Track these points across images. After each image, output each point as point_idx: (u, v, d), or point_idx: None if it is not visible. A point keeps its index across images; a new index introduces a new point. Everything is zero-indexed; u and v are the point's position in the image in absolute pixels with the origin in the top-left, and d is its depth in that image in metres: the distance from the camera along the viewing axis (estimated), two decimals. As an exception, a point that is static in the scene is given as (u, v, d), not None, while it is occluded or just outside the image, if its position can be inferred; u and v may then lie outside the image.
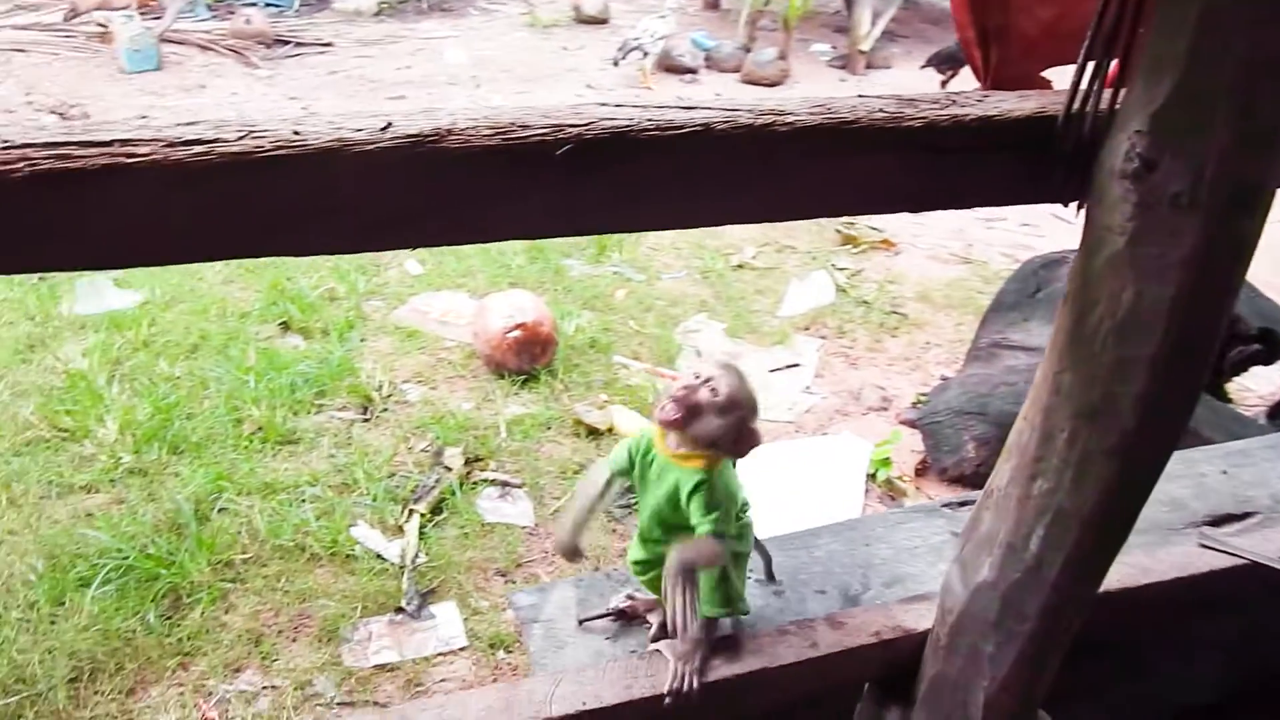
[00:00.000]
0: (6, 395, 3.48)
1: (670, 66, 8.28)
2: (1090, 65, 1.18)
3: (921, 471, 3.27)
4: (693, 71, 8.41)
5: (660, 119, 1.03)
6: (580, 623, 1.75)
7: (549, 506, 3.09)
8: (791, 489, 3.09)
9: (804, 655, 1.57)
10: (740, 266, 4.76)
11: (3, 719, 2.34)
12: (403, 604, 2.68)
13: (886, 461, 3.20)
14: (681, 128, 1.03)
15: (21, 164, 0.83)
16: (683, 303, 4.35)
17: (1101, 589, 1.77)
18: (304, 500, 3.05)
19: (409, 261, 4.73)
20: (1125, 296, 1.18)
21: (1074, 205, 1.25)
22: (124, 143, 0.87)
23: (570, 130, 0.99)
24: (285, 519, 2.95)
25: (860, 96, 1.16)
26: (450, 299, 4.36)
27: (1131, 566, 1.81)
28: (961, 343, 3.94)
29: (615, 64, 7.98)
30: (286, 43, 8.09)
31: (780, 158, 1.09)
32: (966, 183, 1.23)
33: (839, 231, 5.15)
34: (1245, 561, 1.86)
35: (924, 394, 3.61)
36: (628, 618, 1.77)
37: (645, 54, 7.95)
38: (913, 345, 4.12)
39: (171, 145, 0.87)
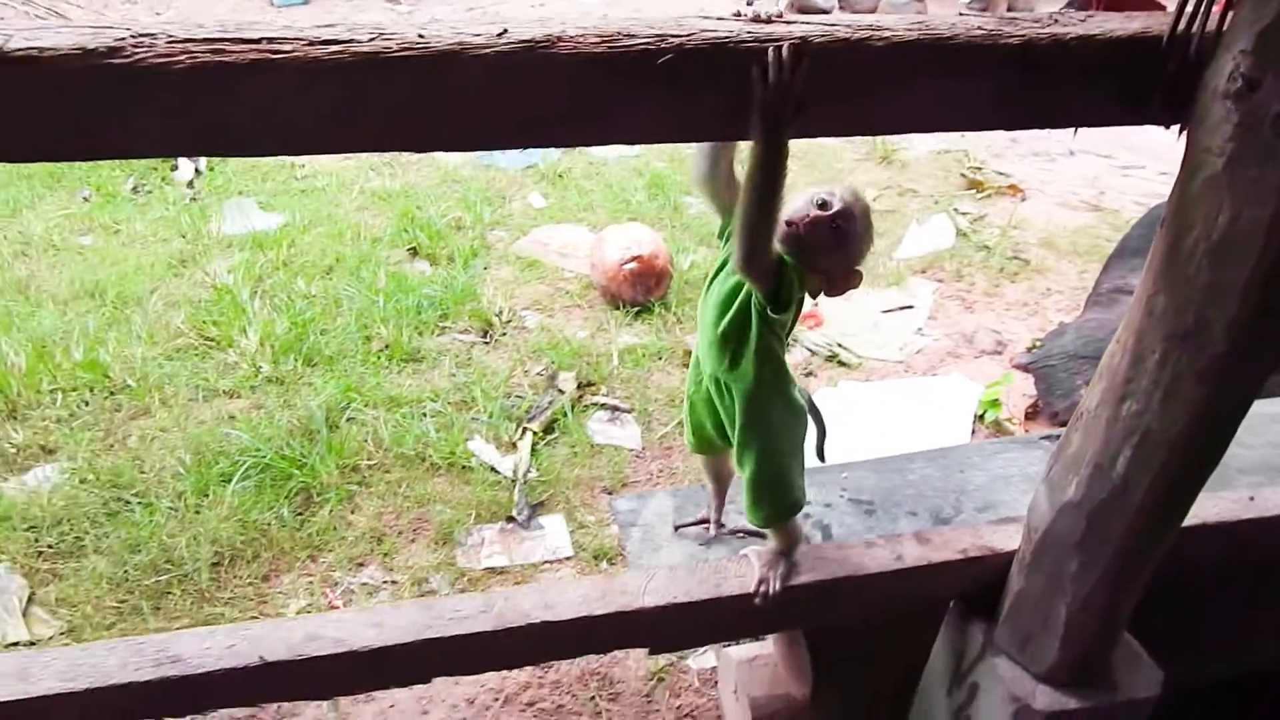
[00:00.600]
0: (160, 305, 3.76)
1: (804, 8, 8.14)
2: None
3: (1032, 415, 3.24)
4: (825, 13, 8.26)
5: (759, 32, 1.08)
6: (676, 528, 1.85)
7: (656, 432, 3.19)
8: (898, 427, 3.11)
9: (889, 567, 1.63)
10: (861, 209, 4.72)
11: (154, 594, 2.59)
12: (513, 514, 2.84)
13: (996, 403, 3.18)
14: (781, 40, 1.08)
15: (183, 56, 0.94)
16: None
17: (1201, 521, 1.78)
18: (425, 414, 3.23)
19: (532, 194, 4.86)
20: (1221, 219, 1.18)
21: (1175, 129, 1.25)
22: (270, 40, 0.97)
23: (672, 40, 1.05)
24: (407, 430, 3.13)
25: (961, 15, 1.19)
26: (570, 232, 4.47)
27: (1233, 502, 1.80)
28: (1084, 289, 3.85)
29: (749, 3, 7.92)
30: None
31: (877, 72, 1.13)
32: (1065, 103, 1.24)
33: (964, 176, 5.04)
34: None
35: (1039, 339, 3.56)
36: (723, 528, 1.86)
37: None
38: (1033, 291, 4.04)
39: (311, 44, 0.97)
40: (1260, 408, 2.24)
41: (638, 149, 5.31)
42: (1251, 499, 1.83)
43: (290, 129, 1.01)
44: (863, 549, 1.65)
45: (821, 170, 5.08)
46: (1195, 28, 1.19)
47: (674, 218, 4.56)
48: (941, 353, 3.64)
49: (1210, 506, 1.79)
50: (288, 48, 0.97)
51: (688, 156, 5.16)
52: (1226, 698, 2.11)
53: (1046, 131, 5.60)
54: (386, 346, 3.58)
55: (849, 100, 1.15)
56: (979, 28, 1.15)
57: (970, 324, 3.81)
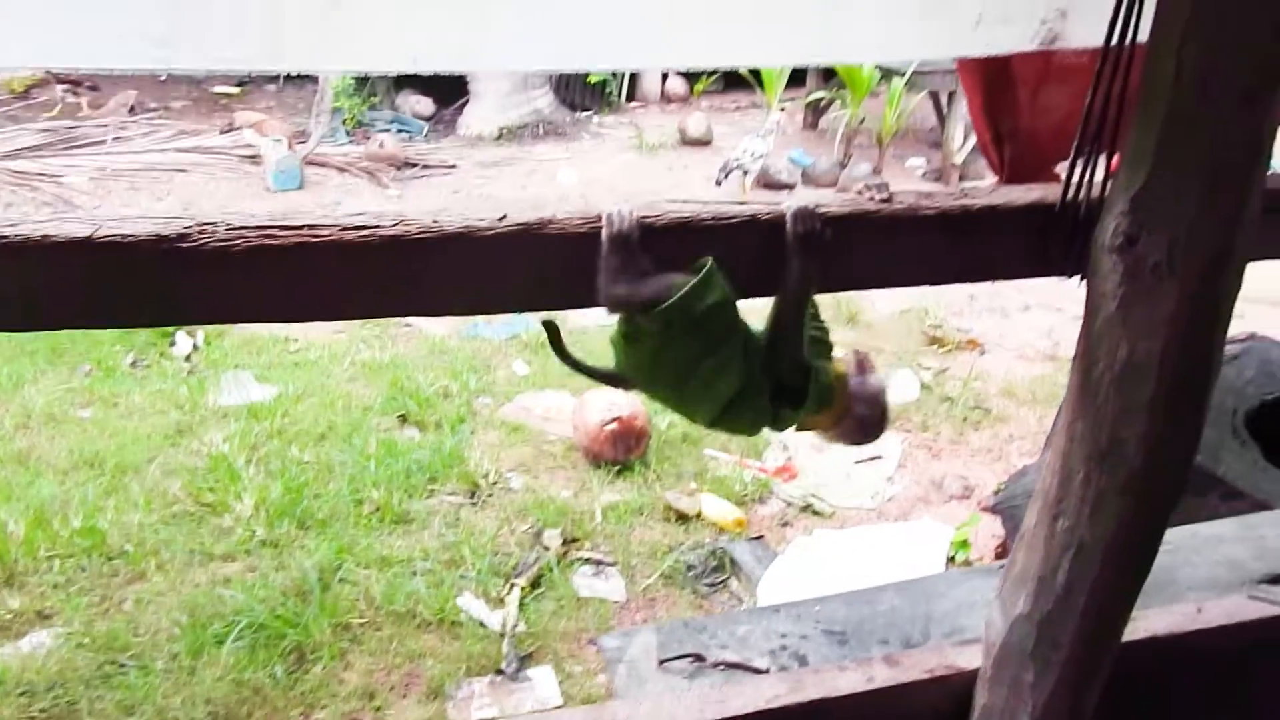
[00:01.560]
0: (157, 474, 3.88)
1: (769, 183, 8.65)
2: (1081, 159, 1.41)
3: (1000, 554, 3.36)
4: (789, 187, 8.75)
5: (718, 211, 1.30)
6: (660, 663, 1.95)
7: (639, 583, 3.30)
8: (873, 571, 3.22)
9: (861, 689, 1.74)
10: (829, 366, 4.95)
11: (148, 759, 2.62)
12: (502, 666, 2.91)
13: (965, 544, 3.32)
14: (734, 218, 1.30)
15: (239, 241, 1.14)
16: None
17: (1152, 634, 1.91)
18: (415, 573, 3.33)
19: (516, 363, 5.07)
20: (1121, 352, 1.38)
21: (1076, 278, 1.46)
22: (311, 226, 1.17)
23: (644, 220, 1.26)
24: (398, 588, 3.23)
25: (851, 178, 1.41)
26: (553, 397, 4.66)
27: (1180, 614, 1.93)
28: (1044, 434, 4.05)
29: (718, 184, 8.41)
30: (415, 165, 8.75)
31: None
32: (981, 261, 1.46)
33: (925, 333, 5.32)
34: (1292, 615, 1.96)
35: (1004, 482, 3.73)
36: (703, 661, 1.97)
37: (745, 172, 8.36)
38: (996, 438, 4.24)
39: (345, 229, 1.17)
40: (1206, 529, 2.41)
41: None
42: (1200, 610, 1.96)
43: (331, 299, 1.20)
44: (835, 672, 1.77)
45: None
46: (1082, 195, 1.42)
47: (652, 380, 4.76)
48: (912, 499, 3.79)
49: (1162, 619, 1.93)
50: (325, 231, 1.16)
51: (663, 322, 5.42)
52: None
53: (1001, 289, 5.94)
54: (377, 509, 3.70)
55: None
56: (902, 203, 1.38)
57: (938, 471, 3.98)
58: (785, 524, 3.65)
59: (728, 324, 1.29)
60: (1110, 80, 1.39)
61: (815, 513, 3.70)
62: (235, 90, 10.72)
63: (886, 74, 9.21)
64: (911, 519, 3.64)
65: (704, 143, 9.86)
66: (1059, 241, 1.44)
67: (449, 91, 10.12)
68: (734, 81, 11.03)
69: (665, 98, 11.44)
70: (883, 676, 1.76)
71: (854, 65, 8.84)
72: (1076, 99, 1.49)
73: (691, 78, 11.42)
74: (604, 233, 1.22)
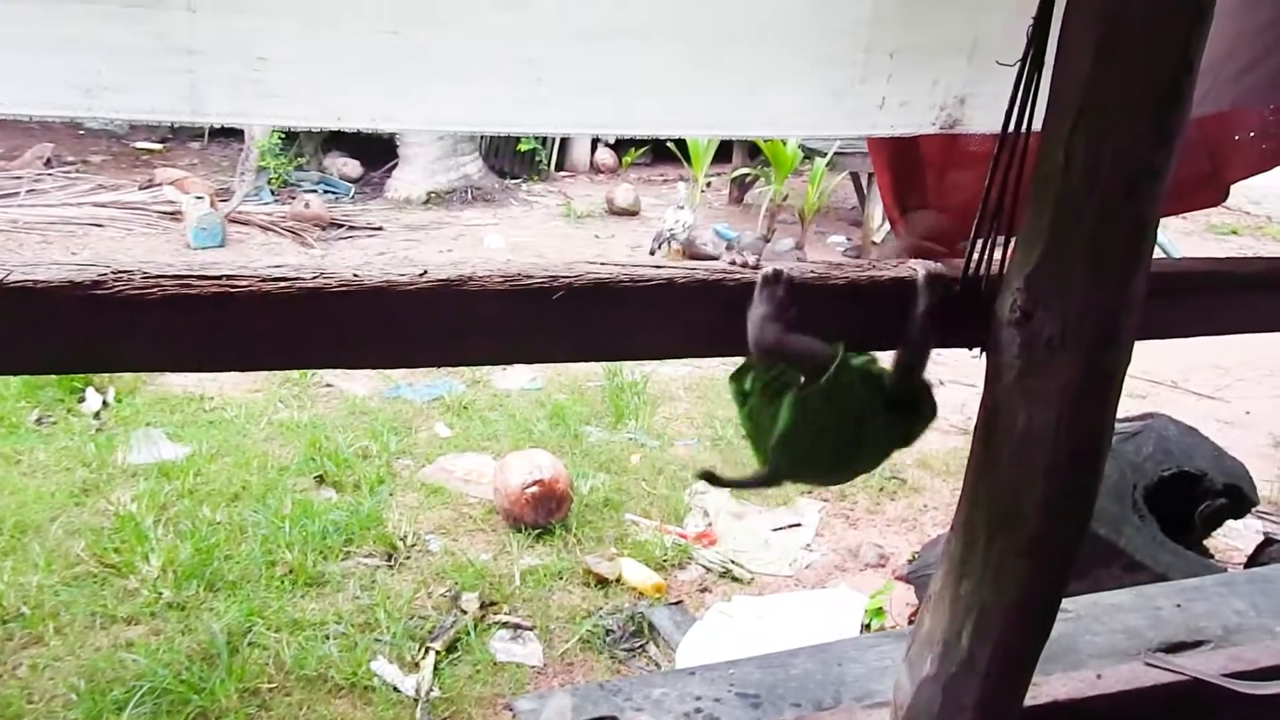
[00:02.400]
0: (60, 533, 3.75)
1: (694, 254, 8.81)
2: (982, 238, 1.49)
3: (914, 621, 3.42)
4: (714, 259, 8.92)
5: (635, 274, 1.34)
6: (575, 726, 1.94)
7: (557, 648, 3.27)
8: (790, 637, 3.24)
9: (772, 750, 1.76)
10: (750, 435, 5.02)
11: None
12: (416, 733, 2.85)
13: (880, 611, 3.37)
14: (650, 280, 1.34)
15: (155, 289, 1.14)
16: (693, 467, 4.60)
17: (1054, 699, 1.96)
18: (328, 636, 3.26)
19: (438, 424, 5.04)
20: (1020, 420, 1.44)
21: (978, 350, 1.53)
22: (230, 277, 1.18)
23: (564, 280, 1.29)
24: (310, 652, 3.15)
25: (800, 261, 1.47)
26: (474, 459, 4.63)
27: (1081, 680, 1.98)
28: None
29: (651, 253, 8.59)
30: (340, 226, 8.72)
31: (730, 306, 1.39)
32: (889, 330, 1.52)
33: (844, 404, 5.43)
34: (1187, 678, 2.03)
35: (918, 551, 3.80)
36: (618, 722, 1.96)
37: (674, 240, 8.59)
38: (911, 508, 4.33)
39: (264, 280, 1.18)
40: (1106, 599, 2.49)
41: (539, 381, 5.59)
42: (1099, 676, 2.02)
43: (249, 349, 1.21)
44: (748, 733, 1.78)
45: (714, 400, 5.41)
46: (982, 271, 1.49)
47: (574, 445, 4.77)
48: (829, 567, 3.84)
49: (1063, 685, 1.98)
50: (244, 282, 1.17)
51: (587, 388, 5.46)
52: None
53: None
54: (291, 570, 3.62)
55: (714, 330, 1.40)
56: (811, 271, 1.43)
57: (855, 540, 4.05)
58: (704, 589, 3.66)
59: (878, 380, 1.44)
60: (1007, 166, 1.47)
61: (734, 579, 3.73)
62: (157, 146, 10.61)
63: (809, 154, 9.51)
64: (828, 586, 3.69)
65: (631, 213, 10.01)
66: (962, 314, 1.50)
67: (377, 154, 10.15)
68: (662, 154, 11.28)
69: (594, 168, 11.62)
70: (794, 739, 1.77)
71: (778, 144, 9.11)
72: (980, 182, 1.57)
73: (620, 149, 11.64)
74: (759, 283, 1.32)
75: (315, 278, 1.20)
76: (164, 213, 8.31)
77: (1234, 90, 2.16)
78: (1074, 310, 1.37)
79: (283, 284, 1.18)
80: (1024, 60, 1.41)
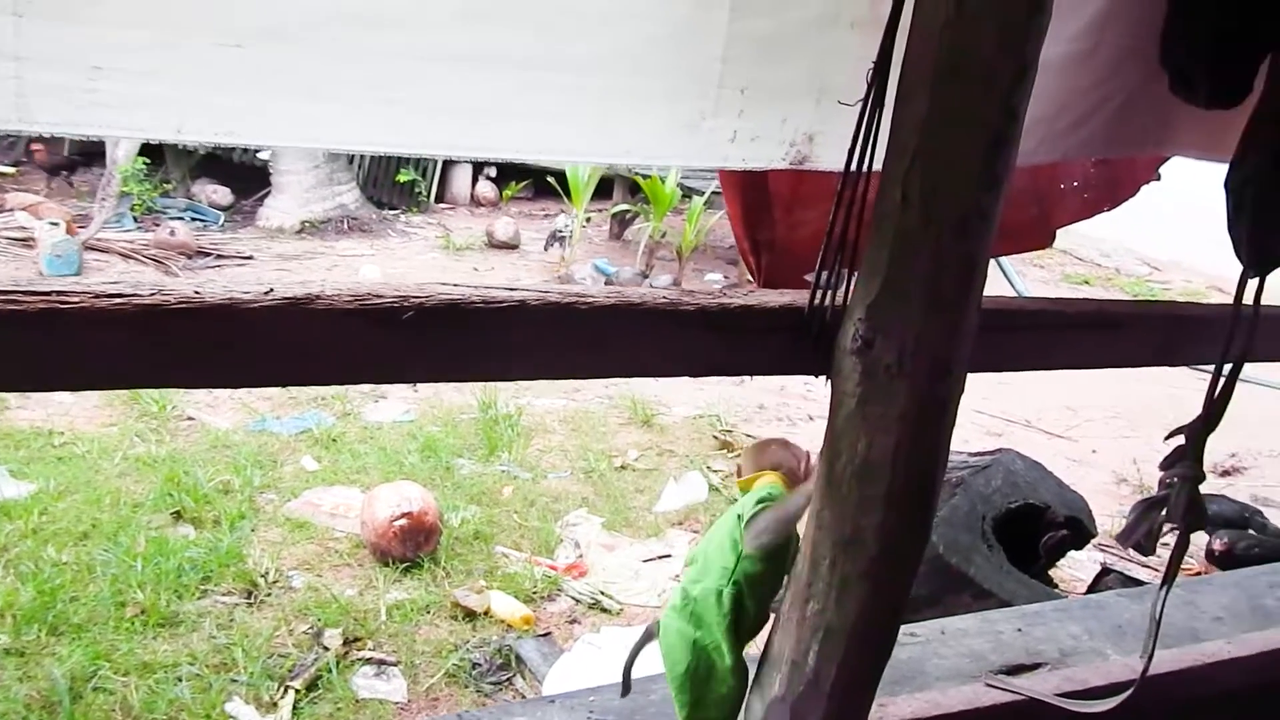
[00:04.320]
0: (-114, 576, 3.51)
1: (565, 279, 8.90)
2: (826, 269, 1.55)
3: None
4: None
5: (487, 295, 1.35)
6: (430, 758, 1.91)
7: (422, 683, 3.21)
8: (654, 669, 3.26)
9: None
10: (623, 468, 5.06)
11: None
12: (271, 776, 2.75)
13: (744, 641, 3.41)
14: (502, 302, 1.35)
15: (-18, 304, 1.10)
16: (565, 499, 4.61)
17: (901, 719, 2.02)
18: (180, 678, 3.12)
19: (305, 458, 4.91)
20: (860, 447, 1.50)
21: (823, 378, 1.59)
22: (60, 293, 1.14)
23: (414, 300, 1.29)
24: (160, 696, 3.01)
25: (652, 288, 1.50)
26: (342, 493, 4.53)
27: (925, 701, 2.05)
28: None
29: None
30: (208, 254, 8.45)
31: (584, 329, 1.41)
32: (737, 357, 1.56)
33: (716, 438, 5.52)
34: (1024, 698, 2.12)
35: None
36: (476, 754, 1.94)
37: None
38: (778, 539, 4.41)
39: (97, 296, 1.15)
40: (952, 624, 2.59)
41: (412, 414, 5.51)
42: (942, 696, 2.10)
43: (80, 367, 1.17)
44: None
45: (588, 434, 5.42)
46: (827, 301, 1.55)
47: (446, 478, 4.72)
48: (698, 598, 3.87)
49: (908, 705, 2.04)
50: (75, 298, 1.14)
51: (461, 421, 5.41)
52: None
53: (789, 400, 6.25)
54: (142, 611, 3.46)
55: (566, 352, 1.42)
56: (663, 297, 1.47)
57: (723, 570, 4.09)
58: (573, 621, 3.65)
59: None
60: (850, 201, 1.54)
61: (603, 610, 3.73)
62: (9, 169, 10.10)
63: (688, 192, 9.70)
64: (696, 616, 3.72)
65: (511, 247, 10.01)
66: (807, 343, 1.56)
67: (250, 181, 9.91)
68: (543, 190, 11.33)
69: (475, 201, 11.59)
70: (650, 763, 1.78)
71: (657, 181, 9.27)
72: (825, 218, 1.64)
73: (501, 183, 11.65)
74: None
75: (153, 294, 1.18)
76: (15, 239, 7.92)
77: (1066, 143, 2.31)
78: (911, 340, 1.44)
79: (117, 300, 1.15)
80: (865, 102, 1.48)
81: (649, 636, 1.79)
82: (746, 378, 6.60)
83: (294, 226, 9.56)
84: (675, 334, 1.47)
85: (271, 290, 1.22)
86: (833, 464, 1.55)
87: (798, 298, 1.57)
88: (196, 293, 1.19)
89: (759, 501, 1.66)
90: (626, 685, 1.83)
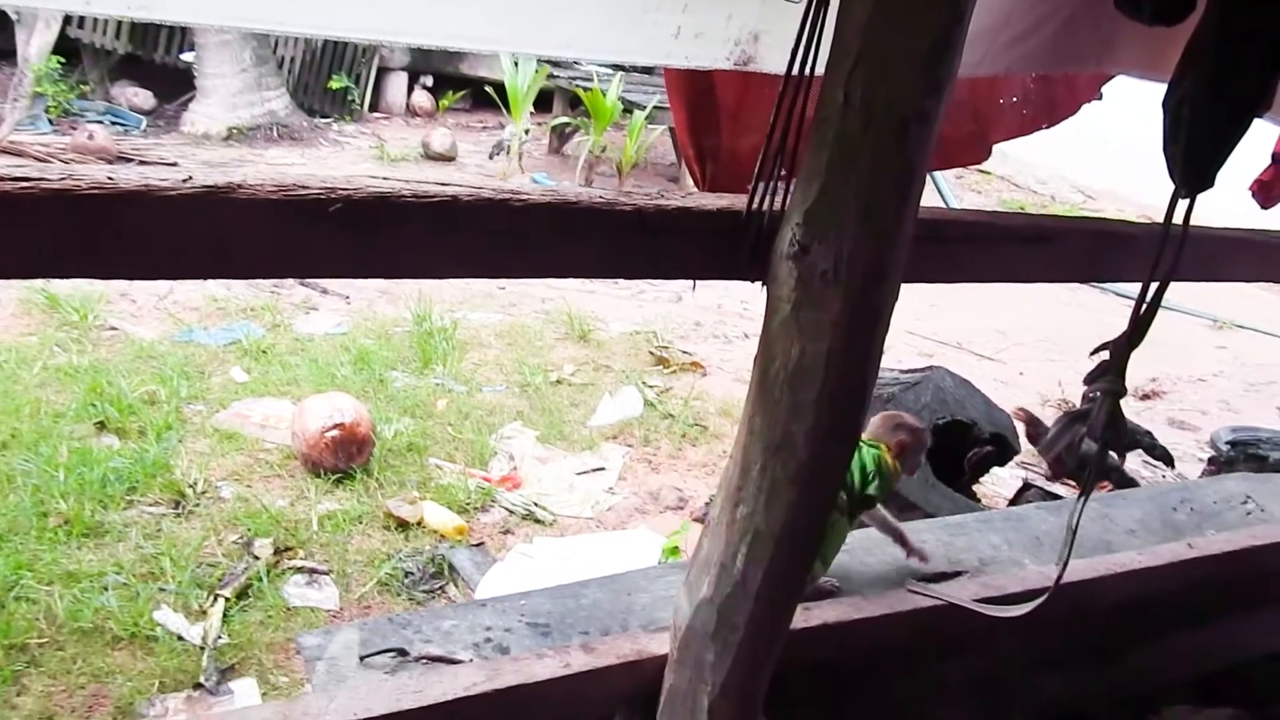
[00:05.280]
0: None
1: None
2: (765, 174, 1.54)
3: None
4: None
5: (418, 190, 1.31)
6: (361, 659, 1.92)
7: (355, 591, 3.21)
8: (586, 577, 3.30)
9: (558, 674, 1.78)
10: (559, 382, 5.05)
11: None
12: (202, 680, 2.74)
13: (675, 550, 3.47)
14: (434, 197, 1.32)
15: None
16: (500, 413, 4.60)
17: (824, 622, 2.07)
18: (106, 587, 3.08)
19: (234, 369, 4.82)
20: (794, 352, 1.51)
21: (760, 283, 1.59)
22: (-34, 176, 1.08)
23: (341, 192, 1.25)
24: (86, 604, 2.97)
25: (588, 187, 1.48)
26: (272, 405, 4.46)
27: (848, 606, 2.11)
28: (754, 452, 4.30)
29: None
30: (129, 160, 8.11)
31: (517, 227, 1.38)
32: (674, 259, 1.55)
33: (652, 354, 5.53)
34: (943, 603, 2.19)
35: (715, 493, 3.92)
36: (406, 655, 1.95)
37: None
38: (711, 453, 4.47)
39: (2, 180, 1.09)
40: (878, 533, 2.64)
41: (344, 326, 5.43)
42: (865, 601, 2.16)
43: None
44: (534, 659, 1.80)
45: (524, 348, 5.40)
46: (765, 206, 1.54)
47: (379, 390, 4.67)
48: (630, 509, 3.92)
49: (833, 610, 2.10)
50: (-21, 182, 1.08)
51: (395, 334, 5.34)
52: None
53: (725, 317, 6.27)
54: (66, 521, 3.40)
55: (498, 250, 1.39)
56: (600, 197, 1.45)
57: (656, 483, 4.15)
58: (507, 532, 3.67)
59: None
60: (791, 103, 1.52)
61: (537, 521, 3.75)
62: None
63: (629, 106, 9.55)
64: (629, 528, 3.77)
65: (448, 158, 9.80)
66: (744, 248, 1.55)
67: (172, 86, 9.53)
68: (481, 101, 11.08)
69: (411, 111, 11.29)
70: (579, 663, 1.81)
71: (598, 94, 9.11)
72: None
73: (438, 92, 11.35)
74: None
75: (63, 180, 1.12)
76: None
77: (1008, 57, 2.30)
78: (847, 246, 1.43)
79: (24, 185, 1.10)
80: (809, 2, 1.46)
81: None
82: (684, 294, 6.58)
83: (220, 133, 9.23)
84: (610, 235, 1.45)
85: (190, 178, 1.18)
86: (766, 369, 1.55)
87: (736, 202, 1.56)
88: (110, 178, 1.14)
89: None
90: None
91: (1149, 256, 2.05)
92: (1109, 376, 1.87)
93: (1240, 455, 4.26)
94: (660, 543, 3.52)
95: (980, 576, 2.37)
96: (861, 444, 2.20)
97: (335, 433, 3.81)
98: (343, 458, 3.84)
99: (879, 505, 2.23)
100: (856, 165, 1.40)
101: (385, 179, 1.30)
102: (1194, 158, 1.73)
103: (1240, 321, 7.93)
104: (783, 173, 1.54)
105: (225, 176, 1.19)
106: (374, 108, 11.09)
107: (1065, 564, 2.00)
